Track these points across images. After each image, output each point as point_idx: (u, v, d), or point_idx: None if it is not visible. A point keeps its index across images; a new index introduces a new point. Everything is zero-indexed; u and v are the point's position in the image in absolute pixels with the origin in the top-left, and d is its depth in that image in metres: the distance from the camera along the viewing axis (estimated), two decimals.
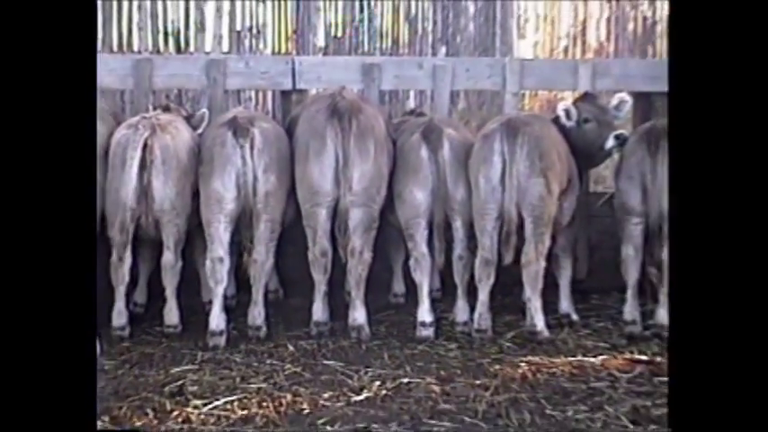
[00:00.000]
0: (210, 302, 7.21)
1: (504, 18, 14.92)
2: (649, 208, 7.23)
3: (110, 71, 8.36)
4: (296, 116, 7.72)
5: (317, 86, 8.66)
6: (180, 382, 6.28)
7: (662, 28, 17.06)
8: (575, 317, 7.62)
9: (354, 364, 6.65)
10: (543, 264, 7.12)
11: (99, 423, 5.53)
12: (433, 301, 7.46)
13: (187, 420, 5.68)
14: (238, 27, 13.52)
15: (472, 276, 7.28)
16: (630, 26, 16.95)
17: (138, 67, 8.42)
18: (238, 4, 13.52)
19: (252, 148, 7.09)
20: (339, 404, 5.95)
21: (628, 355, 6.85)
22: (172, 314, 7.32)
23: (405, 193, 7.33)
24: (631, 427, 5.59)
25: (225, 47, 13.38)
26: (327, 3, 13.99)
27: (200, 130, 7.58)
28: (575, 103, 7.94)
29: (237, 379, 6.37)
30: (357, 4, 14.08)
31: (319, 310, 7.33)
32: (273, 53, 13.52)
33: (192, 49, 13.21)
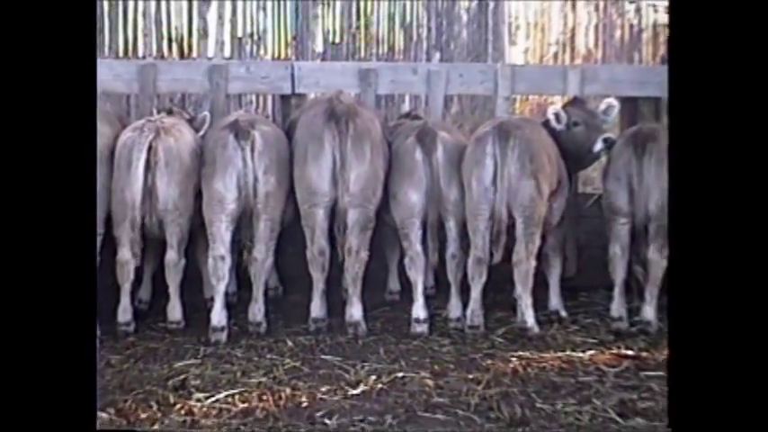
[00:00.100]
0: (212, 299, 7.21)
1: (496, 25, 14.91)
2: (636, 208, 7.24)
3: (116, 76, 8.37)
4: (295, 119, 7.72)
5: (316, 91, 8.65)
6: (183, 376, 6.27)
7: (648, 35, 17.10)
8: (564, 313, 7.62)
9: (351, 359, 6.64)
10: (533, 262, 7.12)
11: (105, 415, 5.55)
12: (427, 299, 7.45)
13: (190, 413, 5.66)
14: (240, 33, 13.53)
15: (465, 274, 7.28)
16: (618, 33, 16.95)
17: (142, 71, 8.41)
18: (240, 12, 13.53)
19: (252, 150, 7.08)
20: (336, 397, 5.94)
21: (615, 351, 6.85)
22: (175, 310, 7.32)
23: (400, 194, 7.33)
24: (618, 419, 5.59)
25: (227, 52, 13.39)
26: (326, 10, 13.99)
27: (202, 132, 7.59)
28: (564, 107, 7.95)
29: (238, 373, 6.36)
30: (354, 11, 14.08)
31: (317, 307, 7.32)
32: (273, 59, 13.53)
33: (194, 54, 13.22)
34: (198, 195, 7.20)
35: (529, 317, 7.15)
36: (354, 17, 14.11)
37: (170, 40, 13.20)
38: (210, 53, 13.28)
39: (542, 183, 7.05)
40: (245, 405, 5.80)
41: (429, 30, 14.52)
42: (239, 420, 5.58)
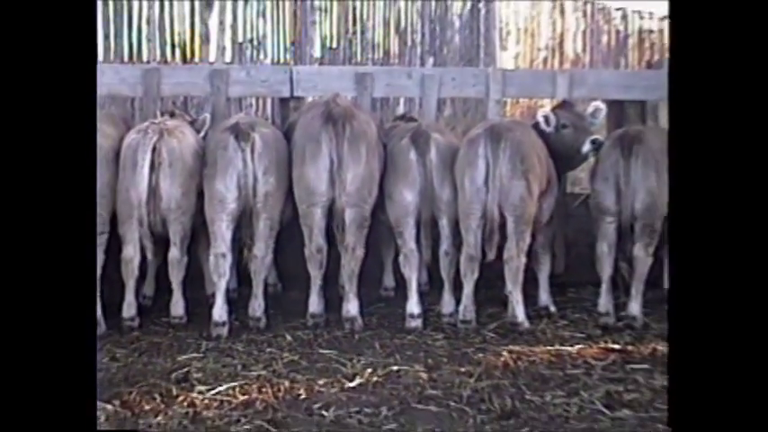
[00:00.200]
0: (214, 295, 7.21)
1: (487, 31, 14.90)
2: (622, 208, 7.25)
3: (121, 80, 8.39)
4: (293, 122, 7.72)
5: (314, 94, 8.66)
6: (185, 369, 6.27)
7: (633, 41, 17.14)
8: (553, 309, 7.63)
9: (348, 353, 6.64)
10: (524, 260, 7.12)
11: (110, 407, 5.55)
12: (421, 295, 7.45)
13: (192, 405, 5.66)
14: (240, 39, 13.49)
15: (457, 271, 7.28)
16: (604, 39, 16.97)
17: (147, 76, 8.41)
18: (240, 18, 13.51)
19: (252, 151, 7.08)
20: (333, 390, 5.94)
21: (602, 345, 6.85)
22: (178, 306, 7.31)
23: (395, 193, 7.33)
24: (605, 410, 5.59)
25: (228, 57, 13.35)
26: (323, 17, 13.98)
27: (202, 133, 7.59)
28: (553, 110, 7.96)
29: (239, 366, 6.36)
30: (351, 18, 14.08)
31: (315, 303, 7.32)
32: (273, 63, 13.50)
33: (197, 59, 13.19)
34: (200, 195, 7.19)
35: (519, 312, 7.15)
36: (351, 23, 14.08)
37: (173, 46, 13.17)
38: (212, 58, 13.24)
39: (532, 183, 7.05)
40: (246, 397, 5.79)
41: (423, 35, 14.50)
42: (240, 412, 5.57)
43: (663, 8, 17.31)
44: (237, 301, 7.65)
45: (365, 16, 14.18)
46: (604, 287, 7.39)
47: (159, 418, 5.47)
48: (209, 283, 7.59)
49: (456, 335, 7.09)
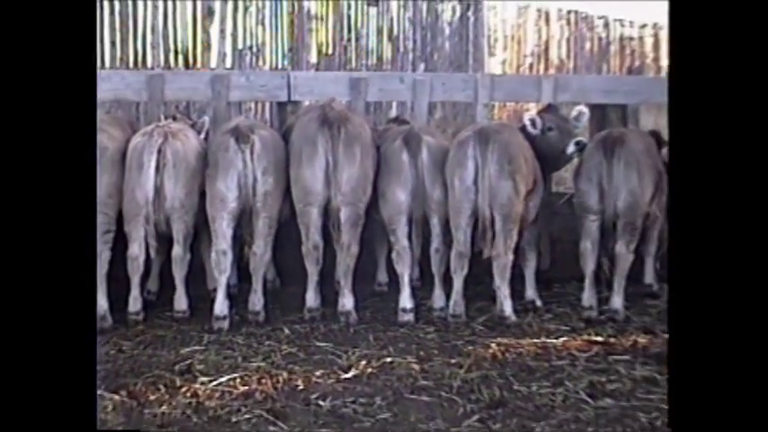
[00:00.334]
0: (215, 290, 7.19)
1: (476, 38, 14.92)
2: (605, 206, 7.25)
3: (126, 85, 8.37)
4: (291, 125, 7.71)
5: (310, 98, 8.63)
6: (188, 361, 6.26)
7: (615, 48, 17.19)
8: (539, 303, 7.62)
9: (343, 346, 6.63)
10: (511, 256, 7.12)
11: (116, 397, 5.56)
12: (413, 290, 7.43)
13: (195, 395, 5.66)
14: (240, 46, 13.51)
15: (448, 267, 7.27)
16: (588, 46, 17.03)
17: (151, 81, 8.39)
18: (240, 26, 13.52)
19: (252, 153, 7.07)
20: (330, 381, 5.94)
21: (585, 337, 6.85)
22: (181, 301, 7.29)
23: (388, 193, 7.32)
24: (589, 400, 5.60)
25: (228, 63, 13.37)
26: (319, 24, 13.98)
27: (202, 135, 7.59)
28: (539, 113, 7.95)
29: (239, 358, 6.35)
30: (345, 25, 14.08)
31: (312, 298, 7.31)
32: (271, 69, 13.51)
33: (199, 65, 13.20)
34: (202, 195, 7.18)
35: (507, 306, 7.15)
36: (346, 31, 14.11)
37: (176, 53, 13.17)
38: (213, 64, 13.26)
39: (519, 183, 7.04)
40: (246, 388, 5.79)
41: (414, 42, 14.53)
42: (240, 402, 5.57)
43: (643, 17, 17.37)
44: (238, 296, 7.63)
45: (359, 24, 14.20)
46: (588, 282, 7.38)
47: (163, 407, 5.47)
48: (210, 279, 7.58)
49: (446, 328, 7.09)
